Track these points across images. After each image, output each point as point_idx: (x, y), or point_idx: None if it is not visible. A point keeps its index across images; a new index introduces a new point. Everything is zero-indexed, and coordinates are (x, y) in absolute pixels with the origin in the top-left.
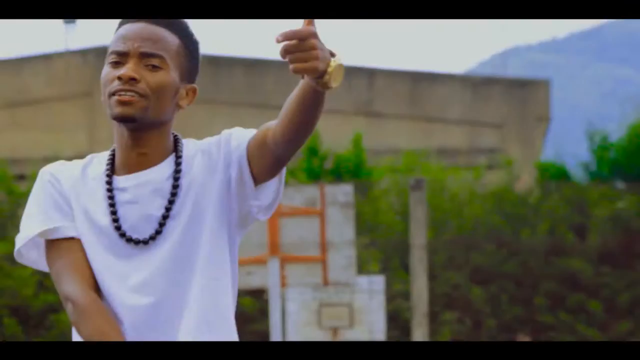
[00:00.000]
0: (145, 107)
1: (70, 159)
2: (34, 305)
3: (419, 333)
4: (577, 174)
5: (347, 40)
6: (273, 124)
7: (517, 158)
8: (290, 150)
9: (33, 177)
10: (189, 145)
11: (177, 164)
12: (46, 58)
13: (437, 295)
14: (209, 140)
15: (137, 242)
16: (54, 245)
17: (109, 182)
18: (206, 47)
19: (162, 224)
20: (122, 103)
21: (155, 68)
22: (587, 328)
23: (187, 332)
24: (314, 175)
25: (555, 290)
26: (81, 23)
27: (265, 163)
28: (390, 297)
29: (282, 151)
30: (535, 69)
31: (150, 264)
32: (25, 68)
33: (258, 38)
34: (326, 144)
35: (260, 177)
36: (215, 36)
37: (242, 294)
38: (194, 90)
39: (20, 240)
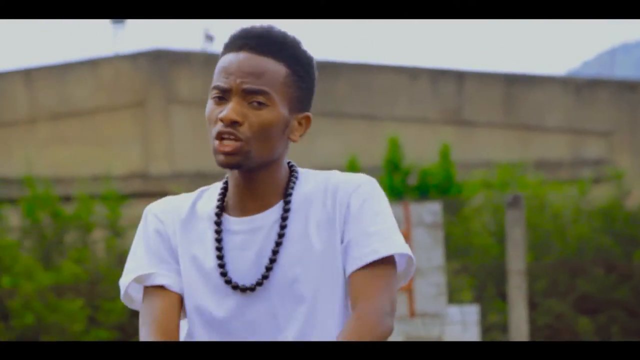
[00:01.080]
0: (248, 152)
1: (122, 177)
2: (85, 339)
3: None
4: None
5: (435, 41)
6: (361, 298)
7: (628, 170)
8: None
9: (80, 198)
10: (308, 179)
11: (285, 210)
12: (93, 64)
13: (538, 327)
14: (352, 186)
15: (243, 290)
16: (147, 291)
17: (218, 223)
18: None
19: (268, 269)
20: (224, 153)
21: (260, 105)
22: None
23: None
24: (397, 192)
25: None
26: (130, 24)
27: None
28: (486, 329)
29: None
30: None
31: (253, 310)
32: (69, 75)
33: (329, 40)
34: (410, 157)
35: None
36: None
37: None
38: (308, 119)
39: (121, 286)
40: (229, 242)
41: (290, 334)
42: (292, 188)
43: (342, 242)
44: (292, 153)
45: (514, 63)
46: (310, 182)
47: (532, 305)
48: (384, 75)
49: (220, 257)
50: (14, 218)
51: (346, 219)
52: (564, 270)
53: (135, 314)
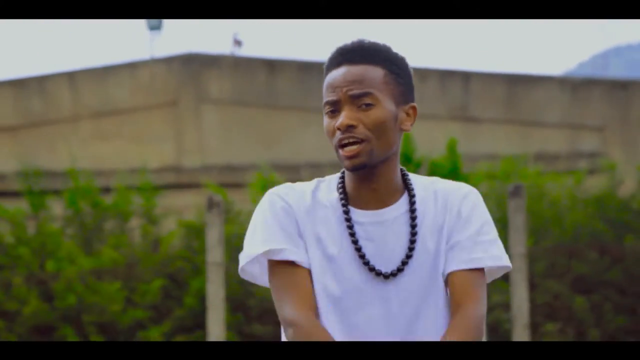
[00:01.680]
0: (370, 150)
1: (156, 170)
2: (122, 321)
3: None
4: None
5: (442, 43)
6: (465, 299)
7: (620, 162)
8: None
9: (119, 189)
10: (417, 182)
11: (412, 203)
12: (131, 66)
13: (537, 306)
14: (462, 193)
15: (379, 275)
16: (277, 266)
17: (347, 212)
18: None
19: (404, 262)
20: (349, 157)
21: (368, 106)
22: None
23: None
24: None
25: None
26: (166, 30)
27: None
28: (490, 309)
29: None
30: (638, 69)
31: (387, 298)
32: (109, 77)
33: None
34: (420, 150)
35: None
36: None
37: None
38: (414, 108)
39: (244, 257)
40: (361, 230)
41: (406, 319)
42: (411, 186)
43: (446, 242)
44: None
45: (516, 64)
46: (419, 185)
47: (532, 286)
48: None
49: (355, 242)
50: (58, 208)
51: (456, 223)
52: (561, 254)
53: (168, 295)
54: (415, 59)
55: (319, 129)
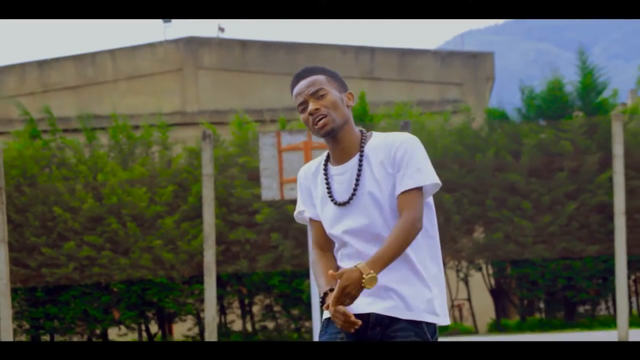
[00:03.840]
0: (333, 119)
1: (169, 114)
2: (147, 213)
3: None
4: (513, 116)
5: (352, 23)
6: (404, 210)
7: (473, 106)
8: None
9: (144, 127)
10: (375, 137)
11: (360, 157)
12: (151, 46)
13: None
14: (398, 142)
15: (336, 204)
16: (309, 221)
17: (325, 171)
18: (261, 34)
19: (353, 193)
20: (321, 127)
21: (323, 96)
22: (521, 220)
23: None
24: None
25: (500, 195)
26: (174, 21)
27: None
28: None
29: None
30: (484, 45)
31: (350, 216)
32: (137, 53)
33: (296, 24)
34: None
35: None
36: (270, 23)
37: None
38: (351, 94)
39: (295, 214)
40: (332, 182)
41: (369, 223)
42: (364, 144)
43: (398, 172)
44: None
45: (404, 40)
46: (376, 139)
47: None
48: (327, 51)
49: (328, 189)
50: (104, 139)
51: (401, 159)
52: (434, 166)
53: (177, 196)
54: (336, 39)
55: (277, 86)
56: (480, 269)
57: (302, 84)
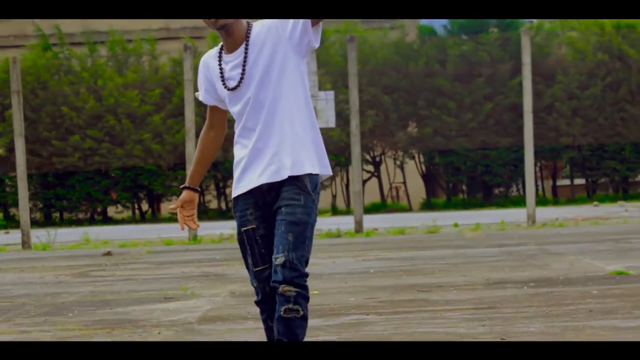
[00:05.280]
0: (225, 22)
1: (157, 30)
2: (139, 112)
3: (354, 123)
4: (440, 31)
5: None
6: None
7: (407, 23)
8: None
9: (136, 41)
10: (256, 26)
11: (246, 45)
12: None
13: (363, 101)
14: (275, 21)
15: (231, 89)
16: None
17: (219, 60)
18: None
19: (242, 76)
20: (217, 23)
21: None
22: (447, 118)
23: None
24: None
25: (429, 97)
26: None
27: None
28: (337, 103)
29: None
30: None
31: (243, 97)
32: None
33: None
34: None
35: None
36: None
37: None
38: None
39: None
40: (225, 67)
41: (260, 99)
42: (249, 34)
43: (286, 33)
44: None
45: None
46: (258, 27)
47: (360, 90)
48: None
49: (222, 75)
50: (104, 51)
51: (284, 28)
52: (376, 73)
53: (164, 97)
54: None
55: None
56: (413, 158)
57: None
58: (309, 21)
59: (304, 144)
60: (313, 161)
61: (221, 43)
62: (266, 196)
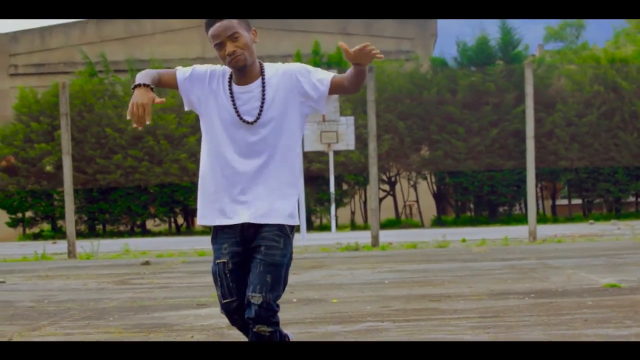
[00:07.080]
0: (246, 57)
1: (192, 59)
2: (176, 133)
3: (372, 146)
4: (451, 63)
5: None
6: (342, 76)
7: (421, 55)
8: (348, 91)
9: (156, 65)
10: (269, 67)
11: (263, 83)
12: None
13: (380, 126)
14: (288, 66)
15: (248, 122)
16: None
17: (230, 88)
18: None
19: (260, 113)
20: (236, 64)
21: (237, 38)
22: (456, 142)
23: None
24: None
25: (441, 123)
26: None
27: (333, 92)
28: (356, 127)
29: (344, 90)
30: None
31: (254, 134)
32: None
33: None
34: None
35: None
36: None
37: None
38: (255, 30)
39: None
40: (236, 98)
41: (268, 140)
42: (264, 71)
43: (300, 90)
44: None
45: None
46: (271, 69)
47: (378, 115)
48: None
49: (234, 105)
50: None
51: (303, 79)
52: (391, 101)
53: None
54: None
55: (274, 37)
56: (425, 178)
57: (218, 27)
58: (327, 90)
59: (288, 195)
60: (294, 213)
61: (228, 70)
62: (245, 231)
